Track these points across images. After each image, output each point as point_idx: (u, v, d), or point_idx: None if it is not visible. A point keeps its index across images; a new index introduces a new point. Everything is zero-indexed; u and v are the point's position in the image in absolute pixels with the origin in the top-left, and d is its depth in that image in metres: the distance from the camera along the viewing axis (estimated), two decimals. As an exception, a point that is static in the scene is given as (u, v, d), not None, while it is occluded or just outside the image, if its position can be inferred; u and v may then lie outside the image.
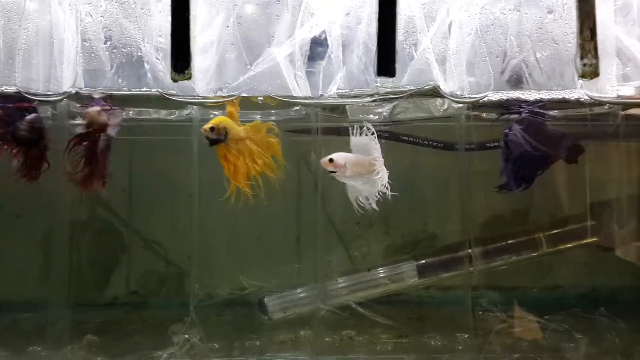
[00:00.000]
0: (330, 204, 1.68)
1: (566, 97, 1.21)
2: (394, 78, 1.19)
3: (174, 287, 1.79)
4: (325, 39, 1.28)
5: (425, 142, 1.52)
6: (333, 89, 1.27)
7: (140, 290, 1.81)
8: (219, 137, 1.25)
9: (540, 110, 1.35)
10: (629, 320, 1.40)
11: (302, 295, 1.69)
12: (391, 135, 1.51)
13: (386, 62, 1.17)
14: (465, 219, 1.62)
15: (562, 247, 1.81)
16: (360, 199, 1.26)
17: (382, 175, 1.25)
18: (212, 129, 1.26)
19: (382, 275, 1.77)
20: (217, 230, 1.76)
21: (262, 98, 1.26)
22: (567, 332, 1.39)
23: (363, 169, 1.26)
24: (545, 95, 1.22)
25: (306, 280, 1.69)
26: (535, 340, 1.48)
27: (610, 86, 1.28)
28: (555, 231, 1.80)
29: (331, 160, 1.25)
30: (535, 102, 1.22)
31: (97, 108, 1.24)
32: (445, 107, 1.35)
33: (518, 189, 1.39)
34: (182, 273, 1.77)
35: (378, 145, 1.24)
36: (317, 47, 1.31)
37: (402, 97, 1.20)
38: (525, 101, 1.23)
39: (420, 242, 1.83)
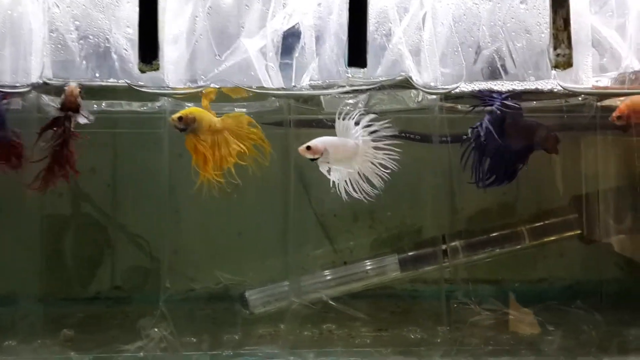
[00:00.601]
0: (317, 198, 1.68)
1: (539, 87, 1.18)
2: (365, 69, 1.16)
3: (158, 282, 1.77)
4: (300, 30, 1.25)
5: (403, 134, 1.50)
6: (306, 80, 1.24)
7: (124, 285, 1.79)
8: (186, 126, 1.23)
9: (513, 102, 1.32)
10: (606, 312, 1.38)
11: (283, 289, 1.65)
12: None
13: (357, 53, 1.15)
14: (441, 213, 1.61)
15: (544, 240, 1.79)
16: (349, 184, 1.22)
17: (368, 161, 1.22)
18: (180, 118, 1.26)
19: (364, 269, 1.75)
20: (200, 224, 1.74)
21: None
22: (541, 324, 1.36)
23: (349, 153, 1.23)
24: (518, 86, 1.20)
25: (289, 274, 1.65)
26: (532, 335, 1.45)
27: (586, 77, 1.25)
28: (537, 224, 1.77)
29: (309, 147, 1.21)
30: (508, 93, 1.19)
31: (75, 85, 1.22)
32: (420, 98, 1.33)
33: (502, 184, 1.37)
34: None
35: (362, 131, 1.22)
36: (293, 39, 1.28)
37: (373, 89, 1.18)
38: (498, 92, 1.20)
39: (405, 236, 1.80)
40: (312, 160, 1.24)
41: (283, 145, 1.44)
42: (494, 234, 1.81)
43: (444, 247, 1.78)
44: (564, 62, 1.16)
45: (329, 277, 1.73)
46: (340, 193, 1.24)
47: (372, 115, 1.21)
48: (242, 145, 1.28)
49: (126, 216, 1.77)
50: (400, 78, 1.20)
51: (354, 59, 1.15)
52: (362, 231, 1.83)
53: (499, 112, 1.29)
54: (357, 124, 1.23)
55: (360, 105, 1.38)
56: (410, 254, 1.76)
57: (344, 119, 1.22)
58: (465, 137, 1.30)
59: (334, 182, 1.24)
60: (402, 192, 1.71)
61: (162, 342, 1.30)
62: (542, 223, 1.80)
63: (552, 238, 1.81)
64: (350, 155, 1.23)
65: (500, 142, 1.31)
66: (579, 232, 1.75)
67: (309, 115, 1.41)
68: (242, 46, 1.20)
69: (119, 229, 1.78)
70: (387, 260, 1.78)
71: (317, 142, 1.23)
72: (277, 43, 1.26)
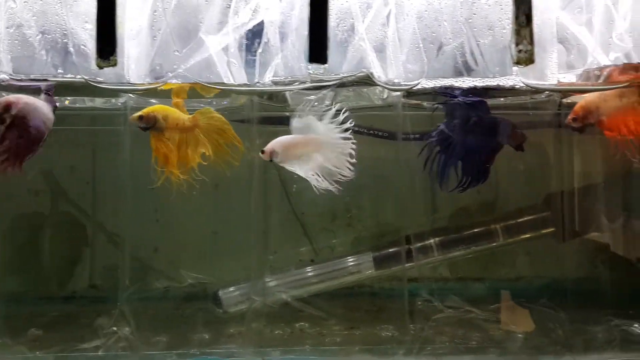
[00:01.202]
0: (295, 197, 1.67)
1: (501, 84, 1.17)
2: (326, 65, 1.15)
3: (137, 281, 1.76)
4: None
5: (371, 131, 1.49)
6: (269, 77, 1.23)
7: (101, 284, 1.78)
8: (147, 125, 1.22)
9: (479, 99, 1.31)
10: (571, 310, 1.37)
11: (257, 287, 1.65)
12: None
13: (318, 49, 1.14)
14: (421, 212, 1.60)
15: (518, 238, 1.78)
16: (316, 177, 1.22)
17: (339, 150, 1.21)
18: (140, 117, 1.25)
19: (338, 267, 1.74)
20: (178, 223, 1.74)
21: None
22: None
23: (309, 148, 1.23)
24: (479, 82, 1.18)
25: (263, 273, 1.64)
26: (526, 332, 1.45)
27: (551, 73, 1.24)
28: (511, 222, 1.77)
29: (262, 151, 1.21)
30: (470, 89, 1.18)
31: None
32: (385, 95, 1.31)
33: (477, 185, 1.36)
34: (145, 267, 1.73)
35: (325, 125, 1.22)
36: (257, 35, 1.28)
37: (333, 85, 1.17)
38: (461, 89, 1.19)
39: (385, 234, 1.79)
40: (270, 161, 1.25)
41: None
42: (468, 232, 1.78)
43: (417, 245, 1.76)
44: (526, 59, 1.16)
45: (302, 276, 1.71)
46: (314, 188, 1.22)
47: (333, 110, 1.18)
48: (208, 146, 1.25)
49: (105, 214, 1.74)
50: (361, 74, 1.18)
51: (315, 56, 1.15)
52: (340, 229, 1.79)
53: (463, 110, 1.27)
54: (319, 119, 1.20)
55: (324, 101, 1.38)
56: (384, 252, 1.73)
57: (300, 117, 1.21)
58: (427, 137, 1.28)
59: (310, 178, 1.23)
60: (381, 191, 1.69)
61: (120, 341, 1.27)
62: (515, 221, 1.78)
63: (526, 236, 1.78)
64: (311, 150, 1.22)
65: (463, 142, 1.29)
66: (552, 229, 1.71)
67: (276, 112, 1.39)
68: (204, 42, 1.17)
69: (97, 227, 1.75)
70: (362, 258, 1.76)
71: (273, 144, 1.25)
72: (239, 39, 1.23)
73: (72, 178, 1.73)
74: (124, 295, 1.32)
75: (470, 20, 1.16)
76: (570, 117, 1.28)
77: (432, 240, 1.77)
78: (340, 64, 1.21)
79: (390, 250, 1.75)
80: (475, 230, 1.80)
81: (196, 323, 1.56)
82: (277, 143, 1.24)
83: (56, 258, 1.75)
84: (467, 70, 1.18)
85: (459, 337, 1.37)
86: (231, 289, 1.67)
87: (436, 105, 1.31)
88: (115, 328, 1.29)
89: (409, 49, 1.20)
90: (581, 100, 1.29)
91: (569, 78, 1.30)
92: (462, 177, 1.34)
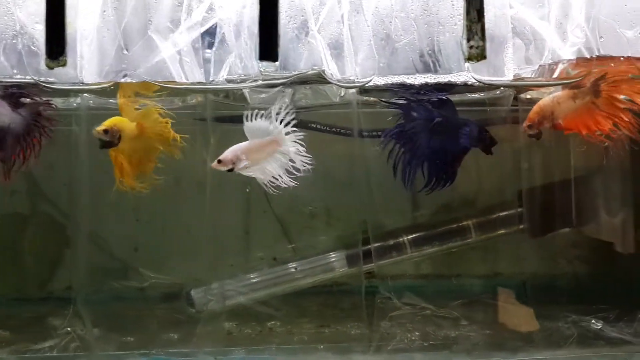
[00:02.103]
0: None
1: (452, 80, 1.16)
2: (277, 63, 1.15)
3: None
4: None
5: (334, 129, 1.49)
6: (223, 75, 1.23)
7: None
8: (112, 139, 1.21)
9: (444, 97, 1.30)
10: (534, 306, 1.37)
11: (230, 287, 1.65)
12: (300, 122, 1.48)
13: (268, 47, 1.14)
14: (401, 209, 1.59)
15: (491, 234, 1.78)
16: (274, 179, 1.22)
17: (289, 151, 1.21)
18: (105, 131, 1.24)
19: (310, 265, 1.74)
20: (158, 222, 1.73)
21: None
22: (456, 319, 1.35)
23: (265, 153, 1.23)
24: (431, 79, 1.18)
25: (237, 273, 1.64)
26: (529, 332, 1.44)
27: (507, 69, 1.24)
28: (483, 218, 1.77)
29: (220, 161, 1.22)
30: (422, 86, 1.18)
31: None
32: (343, 93, 1.31)
33: (443, 187, 1.35)
34: (125, 267, 1.73)
35: (276, 124, 1.22)
36: (212, 32, 1.27)
37: (284, 83, 1.17)
38: (412, 86, 1.18)
39: (363, 232, 1.79)
40: (229, 171, 1.24)
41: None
42: (440, 229, 1.78)
43: (390, 243, 1.76)
44: (478, 54, 1.15)
45: (273, 275, 1.71)
46: (270, 189, 1.23)
47: (279, 108, 1.18)
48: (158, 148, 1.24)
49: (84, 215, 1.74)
50: (313, 72, 1.17)
51: (265, 53, 1.14)
52: (319, 228, 1.79)
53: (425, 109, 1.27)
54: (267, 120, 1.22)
55: (282, 100, 1.38)
56: (358, 249, 1.73)
57: (251, 120, 1.21)
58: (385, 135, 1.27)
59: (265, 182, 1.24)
60: (360, 188, 1.69)
61: (74, 341, 1.27)
62: (488, 217, 1.77)
63: (499, 232, 1.77)
64: (269, 151, 1.22)
65: (427, 143, 1.28)
66: (524, 226, 1.71)
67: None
68: (154, 41, 1.17)
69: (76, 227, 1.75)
70: (335, 256, 1.76)
71: (227, 153, 1.24)
72: (194, 37, 1.23)
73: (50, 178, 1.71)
74: (79, 296, 1.30)
75: (421, 17, 1.13)
76: (525, 124, 1.26)
77: (404, 238, 1.76)
78: (295, 61, 1.19)
79: (364, 248, 1.72)
80: (448, 227, 1.77)
81: (164, 323, 1.55)
82: (232, 151, 1.24)
83: (34, 259, 1.73)
84: (415, 66, 1.16)
85: (418, 334, 1.36)
86: (203, 288, 1.65)
87: (396, 103, 1.29)
88: (69, 328, 1.27)
89: (363, 46, 1.17)
90: (535, 105, 1.27)
91: (527, 73, 1.28)
92: (427, 178, 1.31)
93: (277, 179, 1.25)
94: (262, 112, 1.22)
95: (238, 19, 1.23)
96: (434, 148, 1.29)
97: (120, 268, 1.66)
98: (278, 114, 1.23)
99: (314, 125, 1.47)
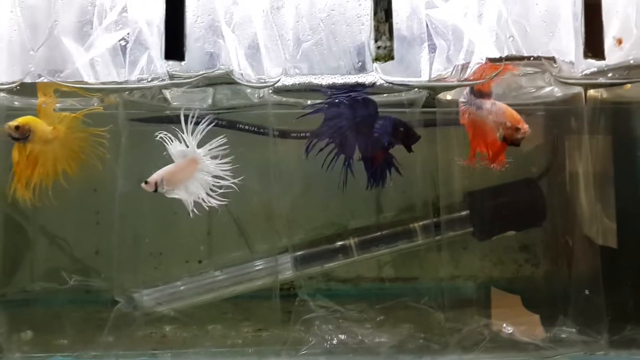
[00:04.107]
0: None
1: (360, 81, 1.15)
2: (184, 62, 1.14)
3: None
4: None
5: (262, 130, 1.48)
6: (135, 75, 1.22)
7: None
8: (22, 136, 1.22)
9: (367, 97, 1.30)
10: (451, 309, 1.36)
11: (177, 289, 1.64)
12: (228, 123, 1.47)
13: (174, 46, 1.14)
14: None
15: (438, 237, 1.77)
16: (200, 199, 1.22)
17: (209, 168, 1.21)
18: (17, 127, 1.25)
19: (255, 268, 1.73)
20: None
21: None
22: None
23: (186, 174, 1.23)
24: (338, 79, 1.17)
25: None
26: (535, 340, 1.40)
27: (422, 69, 1.23)
28: (429, 221, 1.76)
29: (146, 182, 1.25)
30: (330, 87, 1.17)
31: None
32: (261, 94, 1.30)
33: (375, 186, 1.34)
34: (87, 269, 1.73)
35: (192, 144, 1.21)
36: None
37: (190, 83, 1.16)
38: (319, 85, 1.17)
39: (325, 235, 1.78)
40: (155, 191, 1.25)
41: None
42: (386, 231, 1.77)
43: (337, 245, 1.75)
44: (385, 55, 1.14)
45: (220, 278, 1.71)
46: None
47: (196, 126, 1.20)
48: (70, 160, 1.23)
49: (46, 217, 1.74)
50: (219, 72, 1.16)
51: (171, 52, 1.13)
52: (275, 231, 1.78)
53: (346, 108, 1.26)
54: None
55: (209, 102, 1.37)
56: (304, 252, 1.72)
57: (170, 144, 1.24)
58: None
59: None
60: (321, 191, 1.68)
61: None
62: (433, 220, 1.76)
63: (447, 235, 1.76)
64: (190, 172, 1.23)
65: (348, 141, 1.27)
66: (471, 229, 1.70)
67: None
68: (56, 39, 1.17)
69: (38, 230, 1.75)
70: (280, 259, 1.75)
71: (153, 175, 1.26)
72: (109, 37, 1.23)
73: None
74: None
75: (327, 16, 1.12)
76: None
77: (350, 240, 1.75)
78: (203, 61, 1.18)
79: (310, 250, 1.71)
80: (394, 229, 1.76)
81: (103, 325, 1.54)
82: (157, 174, 1.26)
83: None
84: (321, 66, 1.15)
85: (329, 337, 1.35)
86: (147, 291, 1.65)
87: (317, 104, 1.29)
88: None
89: (273, 46, 1.17)
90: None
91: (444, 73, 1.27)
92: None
93: (201, 200, 1.22)
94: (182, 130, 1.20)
95: (151, 19, 1.22)
96: (358, 146, 1.26)
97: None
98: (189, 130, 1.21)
99: (242, 126, 1.45)
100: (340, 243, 1.73)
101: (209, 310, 1.64)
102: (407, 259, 1.67)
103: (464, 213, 1.74)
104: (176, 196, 1.26)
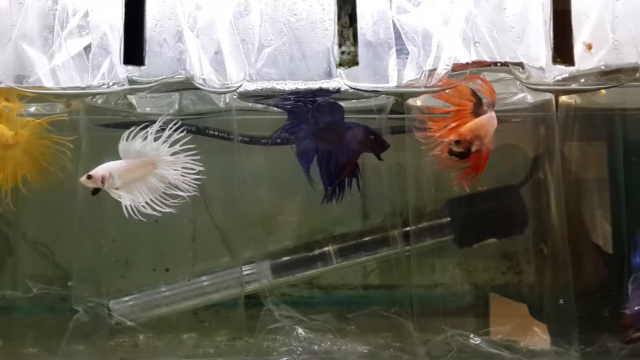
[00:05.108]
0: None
1: (323, 87, 1.13)
2: (143, 67, 1.12)
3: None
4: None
5: (231, 136, 1.46)
6: (97, 79, 1.20)
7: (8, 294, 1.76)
8: None
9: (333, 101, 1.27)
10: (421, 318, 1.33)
11: (151, 297, 1.63)
12: (197, 129, 1.45)
13: (133, 50, 1.11)
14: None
15: (420, 244, 1.75)
16: (148, 203, 1.19)
17: (168, 174, 1.18)
18: None
19: (232, 276, 1.71)
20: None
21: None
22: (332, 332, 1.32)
23: (138, 175, 1.19)
24: (301, 85, 1.15)
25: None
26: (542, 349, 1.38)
27: (390, 75, 1.21)
28: (409, 228, 1.74)
29: (89, 176, 1.17)
30: (295, 92, 1.15)
31: None
32: (227, 99, 1.28)
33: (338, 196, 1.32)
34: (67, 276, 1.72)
35: (155, 146, 1.18)
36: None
37: (149, 88, 1.14)
38: (283, 91, 1.15)
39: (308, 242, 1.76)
40: (95, 190, 1.18)
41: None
42: (366, 239, 1.75)
43: (315, 252, 1.73)
44: (349, 60, 1.12)
45: (193, 287, 1.69)
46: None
47: (156, 126, 1.16)
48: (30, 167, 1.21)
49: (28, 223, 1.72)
50: (180, 77, 1.14)
51: (130, 57, 1.11)
52: (258, 238, 1.76)
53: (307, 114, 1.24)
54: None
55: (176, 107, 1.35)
56: (283, 259, 1.70)
57: (127, 140, 1.18)
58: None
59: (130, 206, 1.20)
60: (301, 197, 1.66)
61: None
62: (413, 227, 1.74)
63: (426, 243, 1.74)
64: (143, 174, 1.19)
65: (312, 148, 1.25)
66: (451, 236, 1.68)
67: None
68: (15, 44, 1.15)
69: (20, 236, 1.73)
70: (259, 266, 1.73)
71: (98, 169, 1.20)
72: (71, 42, 1.21)
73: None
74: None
75: (290, 21, 1.10)
76: (452, 138, 1.22)
77: (330, 247, 1.73)
78: (170, 66, 1.16)
79: (289, 257, 1.69)
80: (374, 236, 1.74)
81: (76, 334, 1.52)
82: (104, 168, 1.19)
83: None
84: (284, 71, 1.13)
85: (297, 347, 1.32)
86: (125, 299, 1.63)
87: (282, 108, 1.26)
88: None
89: (235, 51, 1.14)
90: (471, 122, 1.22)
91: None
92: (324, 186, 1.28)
93: (145, 205, 1.18)
94: (145, 129, 1.16)
95: (114, 23, 1.20)
96: (320, 154, 1.24)
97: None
98: (160, 132, 1.17)
99: (211, 132, 1.43)
100: (319, 251, 1.69)
101: (187, 318, 1.61)
102: (380, 266, 1.61)
103: (444, 220, 1.70)
104: (116, 197, 1.19)
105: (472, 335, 1.31)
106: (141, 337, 1.56)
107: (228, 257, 1.75)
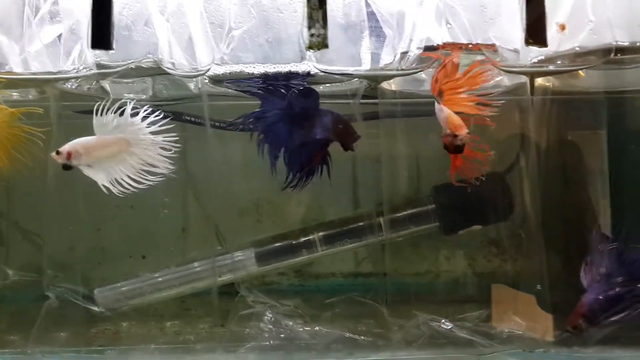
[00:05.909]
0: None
1: (293, 70, 1.12)
2: (112, 51, 1.11)
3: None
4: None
5: (211, 122, 1.45)
6: (69, 65, 1.19)
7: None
8: None
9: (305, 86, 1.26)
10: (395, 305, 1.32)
11: (135, 286, 1.62)
12: (175, 115, 1.44)
13: (100, 35, 1.10)
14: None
15: (404, 231, 1.74)
16: (118, 181, 1.18)
17: (143, 153, 1.17)
18: None
19: (217, 264, 1.71)
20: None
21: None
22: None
23: (109, 152, 1.18)
24: (270, 68, 1.13)
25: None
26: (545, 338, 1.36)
27: (363, 58, 1.20)
28: (394, 215, 1.72)
29: (58, 152, 1.15)
30: (262, 76, 1.13)
31: None
32: (200, 85, 1.27)
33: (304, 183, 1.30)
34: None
35: (131, 121, 1.16)
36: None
37: (117, 72, 1.13)
38: (252, 75, 1.14)
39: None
40: (66, 166, 1.16)
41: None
42: (351, 226, 1.74)
43: (300, 240, 1.72)
44: (319, 43, 1.11)
45: (177, 275, 1.68)
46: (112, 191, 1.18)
47: (132, 104, 1.15)
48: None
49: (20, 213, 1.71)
50: (148, 61, 1.13)
51: (98, 41, 1.10)
52: (248, 227, 1.75)
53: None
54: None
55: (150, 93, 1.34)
56: (268, 247, 1.69)
57: (101, 115, 1.15)
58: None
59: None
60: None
61: None
62: (399, 214, 1.73)
63: (411, 230, 1.73)
64: (115, 151, 1.17)
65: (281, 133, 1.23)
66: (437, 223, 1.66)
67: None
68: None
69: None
70: (244, 254, 1.72)
71: (71, 145, 1.17)
72: (43, 28, 1.20)
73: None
74: None
75: (259, 3, 1.08)
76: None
77: (315, 235, 1.72)
78: (134, 50, 1.15)
79: (274, 245, 1.68)
80: (358, 224, 1.73)
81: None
82: (76, 144, 1.17)
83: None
84: (253, 54, 1.11)
85: (270, 334, 1.32)
86: (108, 287, 1.62)
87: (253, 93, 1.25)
88: None
89: (204, 35, 1.13)
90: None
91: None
92: (287, 172, 1.26)
93: (121, 183, 1.17)
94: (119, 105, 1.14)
95: (84, 8, 1.19)
96: (288, 140, 1.22)
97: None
98: (135, 110, 1.15)
99: (188, 118, 1.41)
100: (304, 239, 1.68)
101: (172, 306, 1.60)
102: (358, 254, 1.60)
103: (429, 207, 1.69)
104: (90, 174, 1.18)
105: (443, 320, 1.29)
106: (124, 325, 1.54)
107: (212, 246, 1.72)
